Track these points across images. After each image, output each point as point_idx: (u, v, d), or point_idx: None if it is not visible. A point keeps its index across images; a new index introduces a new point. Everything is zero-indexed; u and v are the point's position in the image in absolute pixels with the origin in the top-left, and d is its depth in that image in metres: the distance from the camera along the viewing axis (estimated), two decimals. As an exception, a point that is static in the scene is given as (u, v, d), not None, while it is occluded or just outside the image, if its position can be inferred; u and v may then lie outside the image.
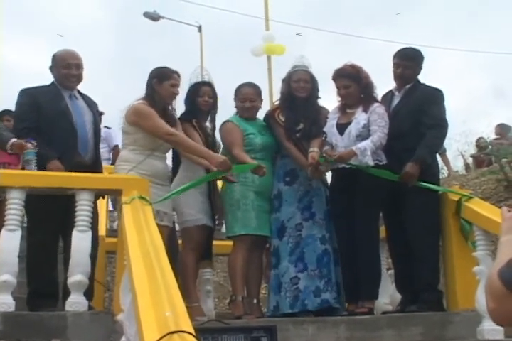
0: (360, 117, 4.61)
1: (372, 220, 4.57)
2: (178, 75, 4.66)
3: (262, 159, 4.72)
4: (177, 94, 4.68)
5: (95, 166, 4.61)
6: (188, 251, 4.56)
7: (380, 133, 4.52)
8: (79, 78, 4.67)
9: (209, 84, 4.84)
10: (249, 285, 4.62)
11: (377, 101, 4.73)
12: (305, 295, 4.49)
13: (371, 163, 4.45)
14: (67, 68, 4.62)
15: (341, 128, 4.65)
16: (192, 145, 4.43)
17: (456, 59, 29.87)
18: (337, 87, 4.75)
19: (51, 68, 4.68)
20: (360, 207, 4.48)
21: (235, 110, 4.95)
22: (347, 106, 4.75)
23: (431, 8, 29.73)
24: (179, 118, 4.74)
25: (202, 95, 4.77)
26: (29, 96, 4.57)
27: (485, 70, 28.95)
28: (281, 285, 4.55)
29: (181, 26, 17.81)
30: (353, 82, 4.68)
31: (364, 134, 4.55)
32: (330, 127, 4.70)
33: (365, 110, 4.61)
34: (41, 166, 4.25)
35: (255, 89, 4.92)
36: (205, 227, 4.62)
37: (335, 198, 4.69)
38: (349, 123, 4.64)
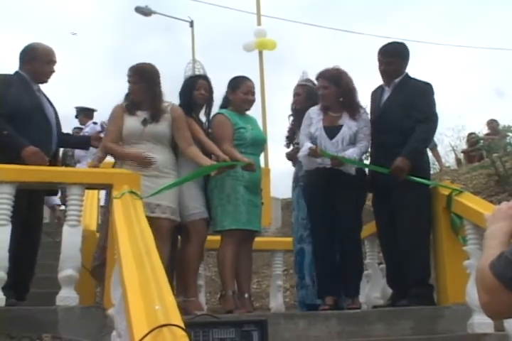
0: (350, 124, 4.66)
1: (358, 218, 4.68)
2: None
3: (251, 154, 4.74)
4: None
5: (55, 162, 4.56)
6: (194, 245, 4.51)
7: (366, 142, 4.67)
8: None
9: (205, 78, 4.84)
10: (239, 280, 4.62)
11: (361, 107, 4.81)
12: None
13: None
14: (49, 64, 4.56)
15: (329, 131, 4.68)
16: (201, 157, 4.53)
17: (457, 54, 29.82)
18: (317, 88, 4.87)
19: (27, 60, 4.47)
20: (344, 207, 4.56)
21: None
22: (327, 108, 4.79)
23: (430, 2, 29.67)
24: None
25: (198, 88, 4.76)
26: (2, 83, 4.37)
27: (487, 66, 28.95)
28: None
29: (173, 21, 17.77)
30: (331, 84, 4.73)
31: (353, 139, 4.65)
32: (317, 130, 4.71)
33: (352, 117, 4.68)
34: (15, 155, 4.13)
35: (254, 84, 5.01)
36: (206, 221, 4.62)
37: (313, 195, 4.75)
38: (335, 127, 4.68)
